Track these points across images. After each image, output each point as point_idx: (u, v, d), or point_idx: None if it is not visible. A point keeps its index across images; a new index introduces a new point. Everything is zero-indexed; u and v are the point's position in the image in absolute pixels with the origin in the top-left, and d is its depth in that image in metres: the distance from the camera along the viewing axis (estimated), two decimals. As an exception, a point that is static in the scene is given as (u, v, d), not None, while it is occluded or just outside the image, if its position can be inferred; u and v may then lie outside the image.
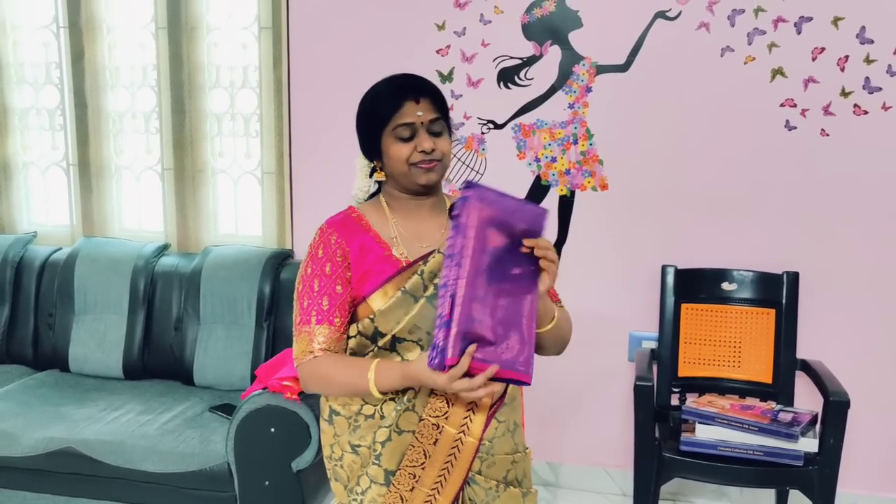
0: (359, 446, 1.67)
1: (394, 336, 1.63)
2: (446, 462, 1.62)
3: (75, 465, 2.72)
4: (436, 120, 1.65)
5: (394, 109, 1.63)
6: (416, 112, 1.63)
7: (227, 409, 2.88)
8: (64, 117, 3.57)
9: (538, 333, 1.59)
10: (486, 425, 1.65)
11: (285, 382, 2.59)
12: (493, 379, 1.47)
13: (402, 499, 1.63)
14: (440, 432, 1.61)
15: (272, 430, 2.57)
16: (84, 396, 3.05)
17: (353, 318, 1.69)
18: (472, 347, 1.43)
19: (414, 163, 1.64)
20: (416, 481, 1.62)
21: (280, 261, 3.24)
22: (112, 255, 3.32)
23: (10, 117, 3.62)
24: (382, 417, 1.65)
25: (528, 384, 1.49)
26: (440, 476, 1.62)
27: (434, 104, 1.66)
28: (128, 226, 3.62)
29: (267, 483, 2.60)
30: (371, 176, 1.78)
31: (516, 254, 1.49)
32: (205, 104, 3.38)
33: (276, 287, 3.16)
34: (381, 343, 1.65)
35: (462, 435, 1.62)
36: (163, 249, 3.39)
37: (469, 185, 1.49)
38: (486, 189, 1.50)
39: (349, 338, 1.69)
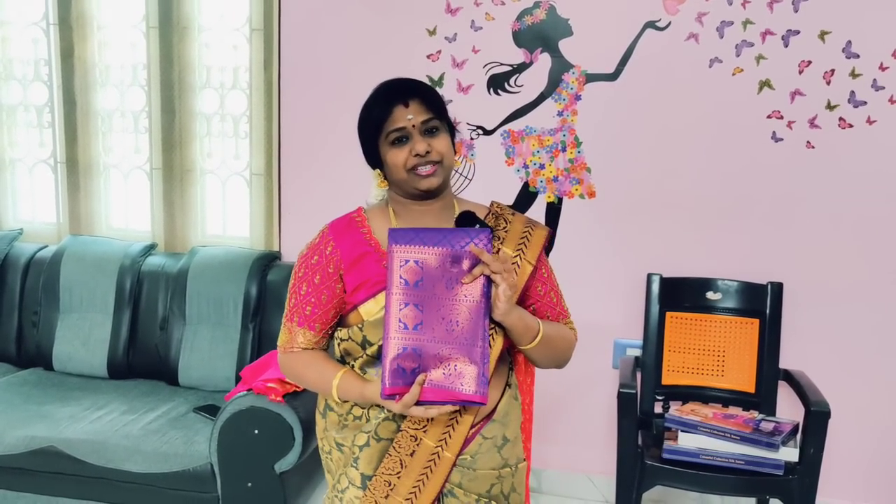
0: (342, 445, 1.69)
1: (381, 347, 1.61)
2: (422, 474, 1.62)
3: (57, 465, 2.71)
4: (429, 120, 1.61)
5: (384, 116, 1.61)
6: (406, 116, 1.60)
7: (212, 410, 2.87)
8: (52, 114, 3.56)
9: (525, 350, 1.64)
10: (470, 441, 1.65)
11: (270, 384, 2.60)
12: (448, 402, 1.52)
13: None
14: (418, 444, 1.61)
15: (256, 431, 2.57)
16: (67, 395, 3.04)
17: (345, 323, 1.71)
18: (421, 377, 1.50)
19: (411, 168, 1.61)
20: (391, 489, 1.63)
21: (267, 262, 3.24)
22: (98, 254, 3.31)
23: (-2, 113, 3.61)
24: (368, 420, 1.66)
25: (484, 404, 1.53)
26: (415, 486, 1.62)
27: (425, 104, 1.62)
28: (115, 224, 3.61)
29: (250, 484, 2.60)
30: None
31: (454, 281, 1.53)
32: (195, 104, 3.38)
33: (262, 288, 3.16)
34: (369, 352, 1.66)
35: (440, 449, 1.61)
36: (150, 249, 3.38)
37: (390, 231, 1.56)
38: (402, 231, 1.56)
39: (341, 341, 1.71)
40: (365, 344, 1.66)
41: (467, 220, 1.62)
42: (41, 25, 3.52)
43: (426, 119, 1.61)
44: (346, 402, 1.67)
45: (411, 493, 1.62)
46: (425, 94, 1.63)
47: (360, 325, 1.66)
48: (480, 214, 1.71)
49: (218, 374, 3.11)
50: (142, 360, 3.24)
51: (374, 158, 1.68)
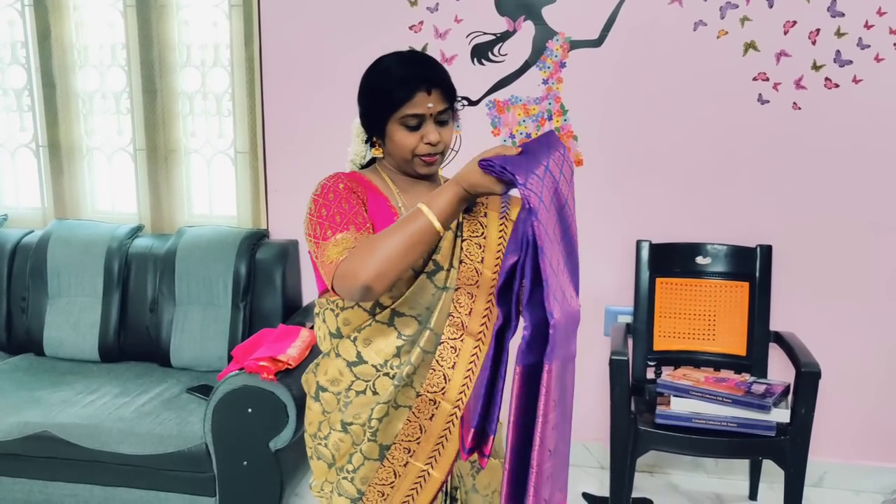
0: (351, 424, 1.66)
1: (393, 310, 1.60)
2: (441, 437, 1.61)
3: (52, 449, 2.70)
4: (444, 111, 1.62)
5: (405, 98, 1.58)
6: (426, 104, 1.59)
7: (205, 390, 2.87)
8: (32, 98, 3.51)
9: None
10: None
11: (262, 363, 2.59)
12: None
13: (395, 474, 1.63)
14: (437, 407, 1.60)
15: (249, 410, 2.57)
16: (59, 380, 3.03)
17: None
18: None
19: (418, 154, 1.62)
20: (411, 456, 1.62)
21: (255, 241, 3.22)
22: (85, 238, 3.28)
23: (-23, 98, 3.56)
24: (375, 393, 1.63)
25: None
26: (434, 450, 1.62)
27: (444, 94, 1.62)
28: (101, 207, 3.58)
29: (245, 463, 2.60)
30: (367, 143, 1.73)
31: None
32: (176, 83, 3.34)
33: (251, 267, 3.15)
34: (378, 317, 1.61)
35: (457, 409, 1.60)
36: (136, 231, 3.36)
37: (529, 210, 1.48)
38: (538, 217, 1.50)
39: (342, 310, 1.64)
40: (375, 308, 1.62)
41: None
42: (16, 7, 3.46)
43: (442, 110, 1.62)
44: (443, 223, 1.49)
45: (431, 457, 1.62)
46: (447, 85, 1.64)
47: None
48: None
49: (210, 354, 3.10)
50: (133, 342, 3.23)
51: (376, 127, 1.65)
